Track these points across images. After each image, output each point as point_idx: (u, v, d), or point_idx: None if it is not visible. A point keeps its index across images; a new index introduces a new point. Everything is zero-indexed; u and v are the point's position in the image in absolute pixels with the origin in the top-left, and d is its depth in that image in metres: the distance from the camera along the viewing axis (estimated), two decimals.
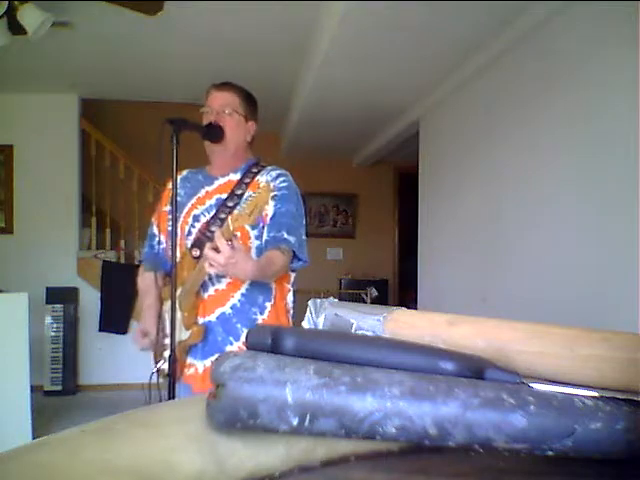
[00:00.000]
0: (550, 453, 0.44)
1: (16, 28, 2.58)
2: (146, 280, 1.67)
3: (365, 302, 5.58)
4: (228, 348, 1.50)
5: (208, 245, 1.31)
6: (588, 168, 2.29)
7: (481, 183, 3.29)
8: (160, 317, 1.60)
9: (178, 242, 1.56)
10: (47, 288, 4.36)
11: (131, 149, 4.80)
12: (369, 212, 6.55)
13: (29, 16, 2.49)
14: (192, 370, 1.53)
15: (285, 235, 1.50)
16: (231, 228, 1.29)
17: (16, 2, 2.48)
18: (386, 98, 4.07)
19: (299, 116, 4.52)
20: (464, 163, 3.54)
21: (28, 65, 3.91)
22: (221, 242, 1.26)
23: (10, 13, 2.51)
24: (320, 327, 0.68)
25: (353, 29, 2.85)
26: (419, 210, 4.32)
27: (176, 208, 1.46)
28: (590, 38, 2.28)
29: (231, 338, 1.50)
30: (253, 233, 1.53)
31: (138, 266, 1.78)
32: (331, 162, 6.15)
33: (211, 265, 1.30)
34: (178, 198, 1.61)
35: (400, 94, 3.97)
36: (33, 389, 2.90)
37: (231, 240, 1.28)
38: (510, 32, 2.80)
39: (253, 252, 1.53)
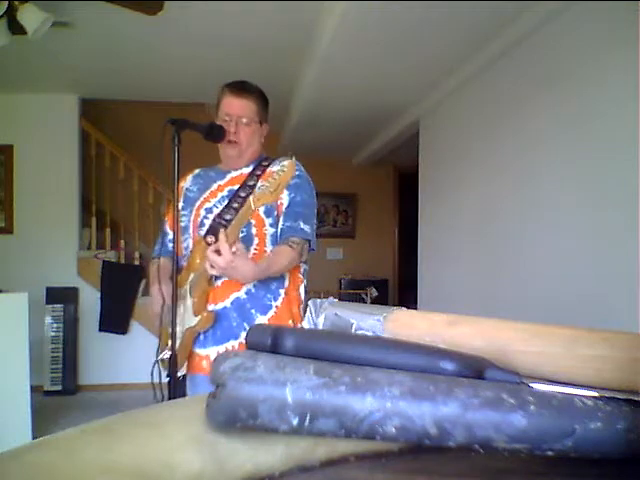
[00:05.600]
0: (550, 453, 0.44)
1: (16, 28, 2.57)
2: (153, 268, 1.69)
3: (365, 302, 5.58)
4: (243, 334, 1.50)
5: (211, 248, 1.33)
6: (588, 168, 2.29)
7: (481, 183, 3.29)
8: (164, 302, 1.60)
9: (191, 234, 1.60)
10: (47, 288, 4.35)
11: (131, 149, 4.80)
12: (369, 212, 6.55)
13: (29, 16, 2.48)
14: (204, 362, 1.53)
15: (301, 225, 1.53)
16: (253, 207, 1.33)
17: (16, 2, 2.48)
18: (386, 98, 4.06)
19: (299, 116, 4.52)
20: (464, 163, 3.54)
21: (28, 65, 3.90)
22: (223, 246, 1.28)
23: (10, 13, 2.51)
24: (320, 327, 0.68)
25: (353, 29, 2.85)
26: (419, 210, 4.32)
27: (178, 210, 1.48)
28: (590, 38, 2.28)
29: (245, 324, 1.51)
30: (268, 221, 1.56)
31: (138, 266, 1.80)
32: (331, 162, 6.15)
33: (212, 267, 1.33)
34: (190, 194, 1.68)
35: (400, 94, 3.97)
36: (33, 389, 2.89)
37: (234, 244, 1.31)
38: (510, 32, 2.80)
39: (268, 240, 1.56)
